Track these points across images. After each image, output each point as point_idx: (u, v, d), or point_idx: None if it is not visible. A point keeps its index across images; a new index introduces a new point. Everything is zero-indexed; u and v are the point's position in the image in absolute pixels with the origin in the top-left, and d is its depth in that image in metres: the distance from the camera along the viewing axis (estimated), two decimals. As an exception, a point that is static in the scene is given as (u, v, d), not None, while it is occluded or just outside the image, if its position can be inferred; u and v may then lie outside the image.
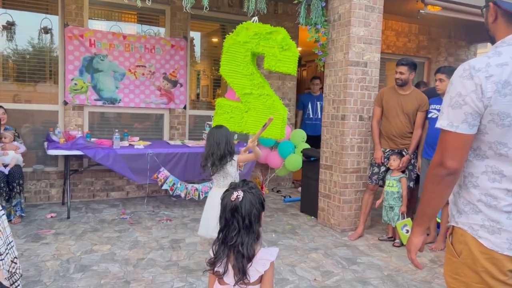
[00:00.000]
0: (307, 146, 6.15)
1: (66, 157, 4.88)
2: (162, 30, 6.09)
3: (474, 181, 1.50)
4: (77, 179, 5.52)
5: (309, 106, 6.91)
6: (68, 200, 4.83)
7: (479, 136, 1.45)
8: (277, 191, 6.70)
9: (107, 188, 5.73)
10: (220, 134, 3.27)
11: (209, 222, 3.29)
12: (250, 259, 1.68)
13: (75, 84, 5.38)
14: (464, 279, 1.50)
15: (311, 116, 6.91)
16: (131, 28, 5.96)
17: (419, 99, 4.31)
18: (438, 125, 1.50)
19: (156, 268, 3.48)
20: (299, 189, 6.20)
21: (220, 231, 1.74)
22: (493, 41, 1.55)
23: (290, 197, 6.26)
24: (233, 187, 1.79)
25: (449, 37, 7.87)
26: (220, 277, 1.76)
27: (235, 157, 3.33)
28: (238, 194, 1.71)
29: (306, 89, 8.15)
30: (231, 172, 3.29)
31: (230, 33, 4.45)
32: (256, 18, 4.34)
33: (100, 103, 5.56)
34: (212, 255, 1.78)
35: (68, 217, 4.75)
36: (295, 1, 4.62)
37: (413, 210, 4.55)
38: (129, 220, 4.76)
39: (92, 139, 5.13)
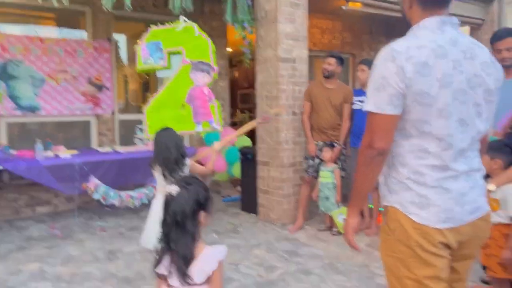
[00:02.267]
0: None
1: (-17, 173, 4.47)
2: (84, 34, 5.77)
3: (402, 160, 1.56)
4: (-3, 196, 5.07)
5: None
6: (-12, 219, 4.42)
7: (404, 116, 1.51)
8: (216, 192, 6.63)
9: (33, 203, 5.32)
10: (169, 136, 2.92)
11: (151, 230, 3.02)
12: (187, 258, 1.60)
13: (-12, 93, 4.94)
14: (399, 255, 1.56)
15: None
16: (50, 32, 5.59)
17: (345, 92, 4.49)
18: (365, 108, 1.55)
19: (92, 281, 3.29)
20: (238, 188, 6.19)
21: (160, 226, 1.67)
22: (409, 26, 1.64)
23: (229, 196, 6.23)
24: (175, 182, 1.73)
25: (370, 33, 8.27)
26: (166, 280, 1.68)
27: (187, 161, 2.98)
28: (171, 189, 1.65)
29: None
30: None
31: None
32: (183, 17, 4.26)
33: (18, 112, 5.14)
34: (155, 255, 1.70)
35: (-11, 238, 4.35)
36: (222, -2, 4.60)
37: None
38: (59, 235, 4.45)
39: (12, 151, 4.73)
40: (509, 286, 2.44)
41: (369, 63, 4.33)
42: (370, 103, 1.53)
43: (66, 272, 3.47)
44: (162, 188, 2.95)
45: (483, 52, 1.56)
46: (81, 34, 5.76)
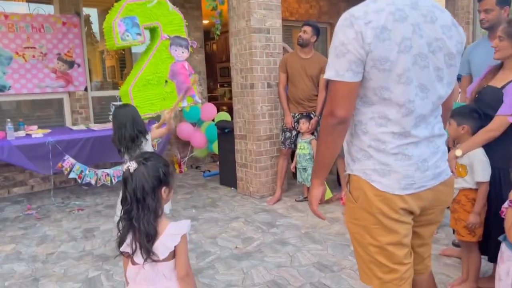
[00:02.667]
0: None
1: (-49, 155, 4.34)
2: (51, 8, 5.55)
3: (364, 128, 1.55)
4: (-30, 178, 4.97)
5: None
6: (-40, 202, 4.34)
7: (364, 83, 1.48)
8: (196, 167, 6.62)
9: (8, 184, 5.23)
10: (125, 113, 2.97)
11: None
12: (150, 235, 1.58)
13: (-48, 72, 4.76)
14: (362, 223, 1.57)
15: None
16: (15, 7, 5.36)
17: (321, 62, 4.44)
18: (325, 76, 1.51)
19: (68, 260, 3.27)
20: (218, 162, 6.18)
21: (120, 203, 1.64)
22: None
23: (209, 171, 6.22)
24: (133, 158, 1.68)
25: (347, 1, 8.15)
26: (130, 257, 1.66)
27: (148, 135, 3.08)
28: (129, 165, 1.60)
29: None
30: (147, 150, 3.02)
31: None
32: None
33: (-14, 92, 4.99)
34: (118, 233, 1.68)
35: (-37, 221, 4.27)
36: (191, -32, 4.45)
37: None
38: (35, 215, 4.40)
39: (-19, 133, 4.61)
40: (477, 249, 2.50)
41: None
42: (330, 71, 1.49)
43: (42, 252, 3.45)
44: None
45: (444, 15, 1.52)
46: (48, 9, 5.54)
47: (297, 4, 7.48)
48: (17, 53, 5.12)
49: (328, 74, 1.49)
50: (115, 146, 2.97)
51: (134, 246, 1.62)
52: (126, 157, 2.98)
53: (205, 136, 6.10)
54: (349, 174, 1.63)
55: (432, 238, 1.77)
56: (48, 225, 4.11)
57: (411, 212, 1.55)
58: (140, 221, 1.58)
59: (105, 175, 4.83)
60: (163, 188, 1.65)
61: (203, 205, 4.60)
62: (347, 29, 1.43)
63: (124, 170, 1.63)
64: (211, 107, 6.28)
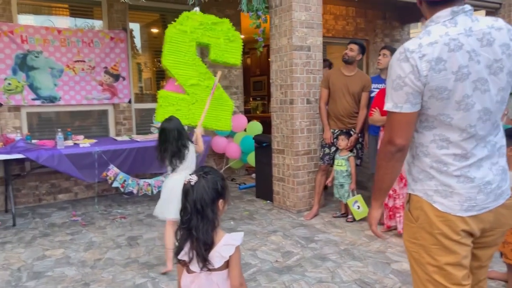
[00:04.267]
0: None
1: (6, 162, 4.59)
2: (99, 23, 5.83)
3: (425, 150, 1.59)
4: (20, 184, 5.21)
5: None
6: (12, 206, 4.56)
7: (424, 111, 1.54)
8: (232, 180, 6.72)
9: (54, 190, 5.46)
10: (171, 128, 3.19)
11: (164, 203, 3.24)
12: (207, 244, 1.67)
13: (9, 84, 5.04)
14: (422, 242, 1.60)
15: None
16: (66, 22, 5.66)
17: (364, 80, 4.48)
18: (385, 108, 1.58)
19: (115, 267, 3.39)
20: (253, 175, 6.26)
21: (180, 214, 1.74)
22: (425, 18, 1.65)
23: (245, 184, 6.30)
24: (193, 172, 1.79)
25: (384, 18, 8.19)
26: (186, 266, 1.75)
27: (191, 146, 3.32)
28: (190, 178, 1.71)
29: None
30: (189, 158, 3.28)
31: (172, 22, 4.32)
32: (197, 8, 4.28)
33: (38, 102, 5.25)
34: (176, 243, 1.77)
35: (14, 225, 4.48)
36: (237, -13, 4.60)
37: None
38: (81, 222, 4.58)
39: (33, 141, 4.85)
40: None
41: (392, 49, 4.30)
42: (388, 102, 1.56)
43: (90, 257, 3.59)
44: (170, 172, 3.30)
45: (501, 34, 1.50)
46: (97, 24, 5.81)
47: (334, 21, 7.57)
48: (68, 66, 5.39)
49: (387, 106, 1.56)
50: (158, 158, 3.21)
51: (191, 255, 1.71)
52: (168, 168, 3.26)
53: (239, 147, 6.19)
54: (409, 194, 1.67)
55: (490, 261, 1.78)
56: (93, 231, 4.27)
57: (471, 234, 1.57)
58: (199, 230, 1.67)
59: (147, 185, 4.98)
60: (220, 201, 1.75)
61: (241, 217, 4.68)
62: (403, 63, 1.50)
63: (185, 182, 1.73)
64: (242, 119, 6.36)
